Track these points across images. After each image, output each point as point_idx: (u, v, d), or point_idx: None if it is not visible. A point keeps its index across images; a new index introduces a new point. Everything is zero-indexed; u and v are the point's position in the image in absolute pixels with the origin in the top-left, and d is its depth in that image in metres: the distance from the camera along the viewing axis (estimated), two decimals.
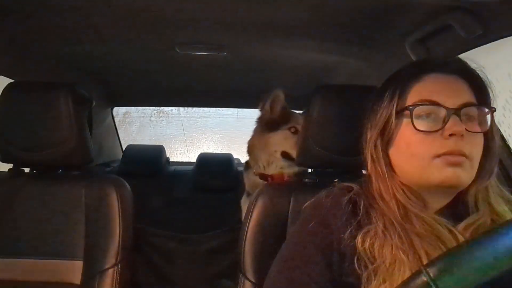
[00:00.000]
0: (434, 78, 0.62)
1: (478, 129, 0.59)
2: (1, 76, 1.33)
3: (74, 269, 0.98)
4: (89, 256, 0.98)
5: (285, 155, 1.27)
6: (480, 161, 0.61)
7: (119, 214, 1.00)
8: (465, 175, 0.58)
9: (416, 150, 0.60)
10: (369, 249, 0.57)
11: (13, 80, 1.21)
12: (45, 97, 1.02)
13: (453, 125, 0.57)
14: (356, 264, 0.59)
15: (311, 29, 1.06)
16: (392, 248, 0.56)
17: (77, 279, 0.97)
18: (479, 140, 0.60)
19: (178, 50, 1.26)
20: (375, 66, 1.25)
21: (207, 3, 0.91)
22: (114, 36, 1.17)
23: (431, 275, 0.27)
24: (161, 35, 1.15)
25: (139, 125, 3.36)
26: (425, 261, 0.55)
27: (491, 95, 0.62)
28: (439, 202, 0.63)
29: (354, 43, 1.13)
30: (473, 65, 0.64)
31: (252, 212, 0.95)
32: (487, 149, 0.61)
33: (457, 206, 0.63)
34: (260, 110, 1.37)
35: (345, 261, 0.61)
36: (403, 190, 0.61)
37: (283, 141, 1.28)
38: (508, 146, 0.98)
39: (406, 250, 0.56)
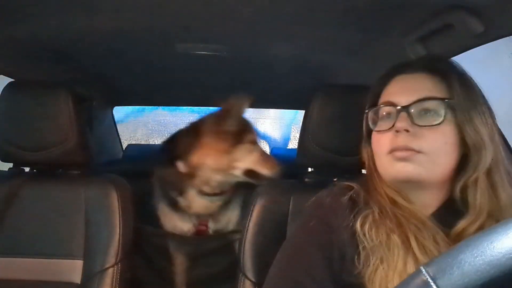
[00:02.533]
0: (398, 80, 0.66)
1: (431, 122, 0.60)
2: (1, 76, 1.34)
3: (74, 268, 0.98)
4: (89, 256, 0.98)
5: (250, 174, 1.16)
6: (462, 154, 0.61)
7: (119, 213, 1.00)
8: (417, 169, 0.60)
9: (375, 148, 0.66)
10: (367, 231, 0.60)
11: (13, 80, 1.21)
12: (45, 96, 1.02)
13: (398, 121, 0.61)
14: (356, 262, 0.60)
15: (310, 28, 1.05)
16: (386, 230, 0.60)
17: (77, 278, 0.97)
18: (438, 133, 0.60)
19: (178, 49, 1.26)
20: (375, 66, 1.25)
21: (207, 3, 0.90)
22: (114, 35, 1.17)
23: (431, 274, 0.27)
24: (161, 34, 1.15)
25: None
26: (413, 243, 0.57)
27: (458, 86, 0.61)
28: (427, 199, 0.63)
29: (353, 42, 1.13)
30: (440, 59, 0.66)
31: (252, 212, 0.95)
32: (463, 141, 0.60)
33: (451, 205, 0.62)
34: (216, 119, 1.18)
35: (345, 260, 0.61)
36: (389, 188, 0.65)
37: (247, 156, 1.14)
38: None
39: (396, 231, 0.59)
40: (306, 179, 1.05)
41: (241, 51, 1.30)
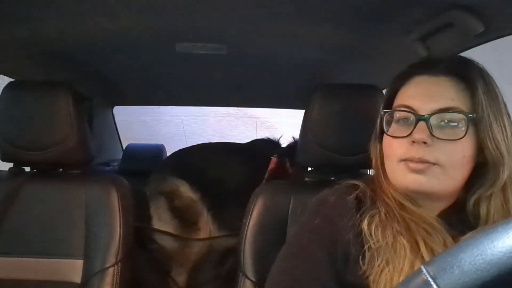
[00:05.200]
0: (417, 81, 0.62)
1: (451, 136, 0.57)
2: (1, 76, 1.34)
3: (74, 268, 0.98)
4: (90, 255, 0.98)
5: None
6: (477, 168, 0.59)
7: (119, 213, 1.00)
8: (431, 181, 0.58)
9: (387, 152, 0.63)
10: (374, 231, 0.59)
11: (13, 80, 1.21)
12: (45, 96, 1.02)
13: (416, 132, 0.58)
14: (361, 262, 0.59)
15: (310, 28, 1.05)
16: (393, 232, 0.58)
17: (77, 278, 0.97)
18: (457, 147, 0.57)
19: (178, 49, 1.26)
20: (375, 65, 1.25)
21: (207, 3, 0.90)
22: (114, 35, 1.17)
23: (432, 274, 0.27)
24: (161, 34, 1.15)
25: None
26: (422, 247, 0.56)
27: (483, 98, 0.57)
28: (433, 206, 0.62)
29: (353, 41, 1.12)
30: (468, 64, 0.62)
31: (252, 211, 0.95)
32: (482, 155, 0.58)
33: (460, 212, 0.61)
34: None
35: (349, 260, 0.60)
36: (396, 191, 0.63)
37: None
38: None
39: (404, 235, 0.57)
40: (306, 179, 1.05)
41: (241, 51, 1.30)
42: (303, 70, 1.51)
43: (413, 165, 0.58)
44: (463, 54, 0.86)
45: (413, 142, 0.58)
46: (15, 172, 1.08)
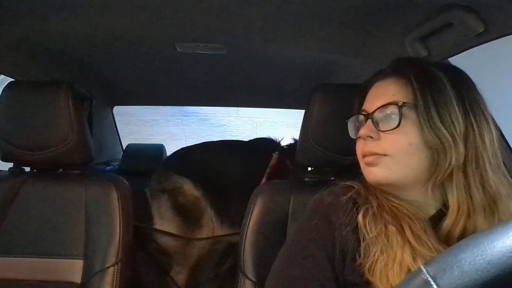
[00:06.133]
0: (374, 87, 0.69)
1: (390, 126, 0.62)
2: (1, 76, 1.33)
3: (74, 268, 0.98)
4: (90, 255, 0.98)
5: None
6: (429, 155, 0.61)
7: (119, 213, 1.00)
8: (384, 172, 0.63)
9: (357, 153, 0.69)
10: (368, 222, 0.62)
11: (13, 80, 1.21)
12: (45, 96, 1.02)
13: (362, 129, 0.66)
14: (357, 256, 0.60)
15: (310, 28, 1.05)
16: (384, 222, 0.61)
17: (77, 278, 0.97)
18: (400, 135, 0.61)
19: (178, 49, 1.26)
20: (375, 65, 1.25)
21: (207, 3, 0.90)
22: (114, 35, 1.17)
23: (431, 274, 0.27)
24: (161, 34, 1.15)
25: None
26: (407, 231, 0.59)
27: (418, 87, 0.61)
28: (418, 199, 0.64)
29: (353, 41, 1.12)
30: (407, 61, 0.69)
31: (252, 211, 0.95)
32: (425, 142, 0.61)
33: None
34: None
35: (346, 258, 0.62)
36: (381, 190, 0.66)
37: None
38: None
39: (392, 222, 0.61)
40: (306, 179, 1.05)
41: (241, 51, 1.30)
42: (303, 70, 1.51)
43: (366, 159, 0.65)
44: (463, 54, 0.86)
45: (364, 138, 0.65)
46: (15, 172, 1.08)
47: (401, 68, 0.66)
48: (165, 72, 1.63)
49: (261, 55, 1.34)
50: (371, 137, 0.64)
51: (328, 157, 0.96)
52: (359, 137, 0.67)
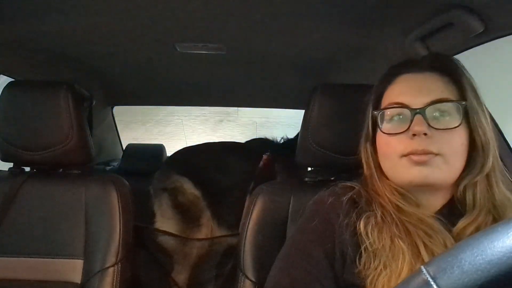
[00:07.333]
0: (404, 79, 0.65)
1: (448, 125, 0.59)
2: (1, 76, 1.33)
3: (74, 268, 0.98)
4: (90, 255, 0.98)
5: None
6: (468, 155, 0.61)
7: (119, 213, 1.00)
8: (435, 172, 0.59)
9: (385, 151, 0.64)
10: (370, 232, 0.59)
11: (13, 80, 1.21)
12: (45, 96, 1.02)
13: (414, 125, 0.59)
14: (357, 262, 0.59)
15: (310, 28, 1.05)
16: (390, 235, 0.58)
17: (77, 278, 0.97)
18: (455, 135, 0.59)
19: (178, 49, 1.26)
20: (376, 65, 1.25)
21: (207, 2, 0.90)
22: (114, 35, 1.17)
23: (432, 274, 0.27)
24: (161, 34, 1.15)
25: None
26: (422, 251, 0.56)
27: (468, 88, 0.61)
28: (433, 200, 0.63)
29: (354, 41, 1.13)
30: (449, 59, 0.65)
31: (252, 211, 0.95)
32: (472, 142, 0.61)
33: (454, 204, 0.62)
34: None
35: (346, 259, 0.61)
36: (393, 191, 0.63)
37: None
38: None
39: (403, 239, 0.58)
40: (306, 179, 1.05)
41: (241, 51, 1.30)
42: (303, 70, 1.51)
43: (416, 157, 0.59)
44: (463, 54, 0.86)
45: (414, 135, 0.59)
46: (15, 172, 1.08)
47: (444, 65, 0.63)
48: (165, 72, 1.63)
49: (260, 55, 1.34)
50: (425, 134, 0.59)
51: (328, 157, 0.95)
52: (400, 132, 0.61)
